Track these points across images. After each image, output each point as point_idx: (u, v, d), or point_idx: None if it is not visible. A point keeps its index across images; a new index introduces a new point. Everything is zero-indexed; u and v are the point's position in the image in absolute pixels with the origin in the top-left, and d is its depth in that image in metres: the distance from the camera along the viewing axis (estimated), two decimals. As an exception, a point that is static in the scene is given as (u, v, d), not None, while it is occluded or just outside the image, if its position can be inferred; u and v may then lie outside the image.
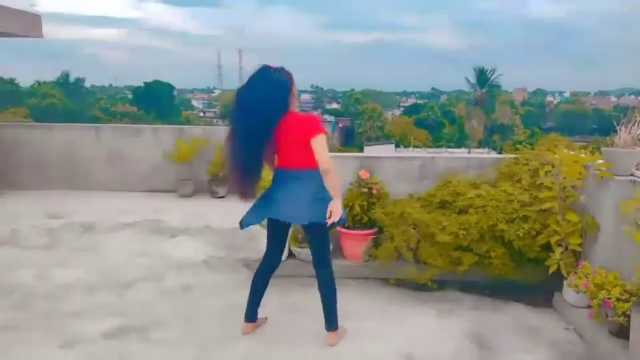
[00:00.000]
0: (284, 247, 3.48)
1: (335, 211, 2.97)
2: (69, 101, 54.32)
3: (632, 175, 3.49)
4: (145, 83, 63.97)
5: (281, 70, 3.10)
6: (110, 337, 3.31)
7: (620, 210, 3.21)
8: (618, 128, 3.63)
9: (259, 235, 4.61)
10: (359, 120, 57.74)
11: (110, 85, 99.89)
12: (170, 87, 65.38)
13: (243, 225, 3.18)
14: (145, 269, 4.47)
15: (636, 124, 3.57)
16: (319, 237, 3.18)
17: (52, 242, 5.21)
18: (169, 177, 7.31)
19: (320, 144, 2.99)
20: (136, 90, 67.04)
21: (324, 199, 3.01)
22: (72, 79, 62.03)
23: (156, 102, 58.45)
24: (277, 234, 3.31)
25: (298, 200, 3.04)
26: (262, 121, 3.02)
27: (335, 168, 3.02)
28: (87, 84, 68.00)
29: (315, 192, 3.03)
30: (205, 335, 3.36)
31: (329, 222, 2.97)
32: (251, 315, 3.39)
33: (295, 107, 3.18)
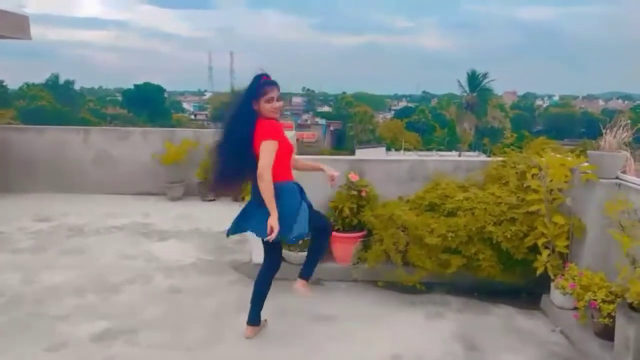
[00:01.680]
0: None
1: (272, 225, 2.92)
2: (58, 103, 53.79)
3: (617, 177, 3.54)
4: (135, 85, 63.61)
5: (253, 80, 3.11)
6: (98, 340, 3.29)
7: (605, 212, 3.25)
8: (604, 131, 3.67)
9: (248, 238, 4.61)
10: (350, 123, 57.84)
11: (100, 87, 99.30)
12: (161, 89, 65.03)
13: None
14: (133, 272, 4.44)
15: (621, 128, 3.62)
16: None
17: (39, 245, 5.17)
18: (158, 179, 7.28)
19: (263, 148, 2.97)
20: (126, 92, 66.63)
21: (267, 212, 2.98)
22: (61, 80, 61.45)
23: (146, 104, 58.08)
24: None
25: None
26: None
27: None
28: (77, 86, 67.39)
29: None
30: (193, 338, 3.35)
31: (271, 238, 2.93)
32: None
33: (270, 114, 3.09)
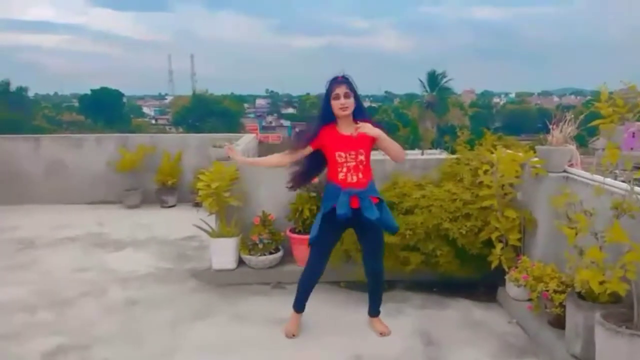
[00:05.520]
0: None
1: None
2: (10, 111, 51.54)
3: (564, 171, 3.66)
4: (91, 90, 61.72)
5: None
6: (50, 358, 3.15)
7: (552, 205, 3.34)
8: (551, 127, 3.78)
9: (208, 245, 4.53)
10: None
11: (55, 93, 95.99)
12: (119, 94, 63.33)
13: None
14: (87, 285, 4.29)
15: (567, 123, 3.74)
16: None
17: (-14, 261, 4.93)
18: (114, 187, 7.07)
19: None
20: (82, 98, 64.60)
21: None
22: (13, 87, 58.91)
23: (104, 109, 56.44)
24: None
25: None
26: None
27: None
28: (30, 93, 64.80)
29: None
30: (150, 350, 3.25)
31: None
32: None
33: (337, 112, 3.09)
